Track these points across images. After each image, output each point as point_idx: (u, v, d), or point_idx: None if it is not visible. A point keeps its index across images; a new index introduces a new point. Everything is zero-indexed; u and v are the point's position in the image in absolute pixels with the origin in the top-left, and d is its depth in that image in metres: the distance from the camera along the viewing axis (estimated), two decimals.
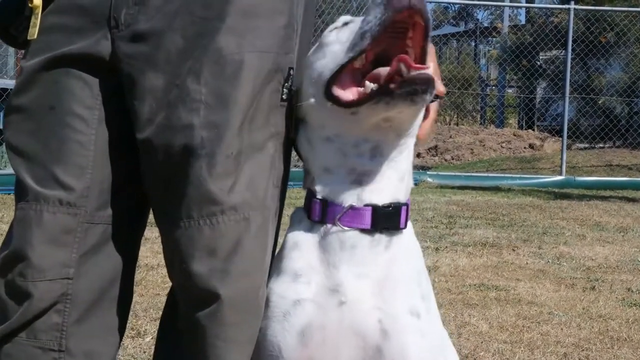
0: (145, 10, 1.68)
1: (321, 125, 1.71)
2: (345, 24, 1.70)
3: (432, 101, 1.74)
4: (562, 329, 4.06)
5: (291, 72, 1.75)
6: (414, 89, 1.53)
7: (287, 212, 1.83)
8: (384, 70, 1.57)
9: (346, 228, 1.67)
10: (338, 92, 1.63)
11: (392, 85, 1.54)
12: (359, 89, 1.61)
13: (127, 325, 3.91)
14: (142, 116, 1.68)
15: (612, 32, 15.58)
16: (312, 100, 1.69)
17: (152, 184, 1.75)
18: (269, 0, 1.72)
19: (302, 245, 1.72)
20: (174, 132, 1.66)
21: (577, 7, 13.94)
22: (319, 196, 1.71)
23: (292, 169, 1.84)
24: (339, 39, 1.67)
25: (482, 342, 3.76)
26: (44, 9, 1.72)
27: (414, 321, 1.65)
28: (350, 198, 1.68)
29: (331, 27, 1.74)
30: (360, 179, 1.68)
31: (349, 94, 1.62)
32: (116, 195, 1.78)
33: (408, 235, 1.75)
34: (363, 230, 1.68)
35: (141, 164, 1.75)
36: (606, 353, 3.70)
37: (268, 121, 1.72)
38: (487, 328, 4.02)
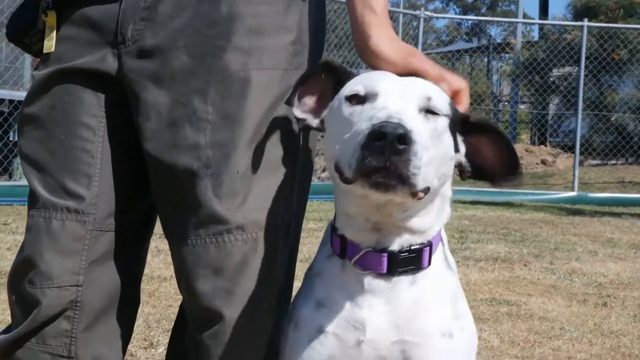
0: (151, 26, 1.68)
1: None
2: (359, 101, 1.58)
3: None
4: (573, 344, 4.06)
5: None
6: (377, 182, 1.45)
7: (309, 225, 1.80)
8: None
9: (362, 271, 1.63)
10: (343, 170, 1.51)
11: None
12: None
13: (140, 336, 3.94)
14: (146, 132, 1.69)
15: (625, 50, 15.57)
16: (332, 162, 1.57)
17: (160, 199, 1.76)
18: (276, 17, 1.71)
19: (325, 275, 1.69)
20: (179, 151, 1.66)
21: (590, 24, 13.94)
22: (339, 232, 1.67)
23: (318, 182, 1.80)
24: (347, 121, 1.55)
25: (493, 357, 3.77)
26: (57, 20, 1.74)
27: (444, 342, 1.63)
28: (367, 243, 1.63)
29: (348, 89, 1.61)
30: (378, 227, 1.62)
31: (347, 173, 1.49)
32: (125, 202, 1.78)
33: (438, 262, 1.69)
34: (379, 274, 1.63)
35: (149, 176, 1.75)
36: None
37: (283, 139, 1.71)
38: (498, 343, 4.02)
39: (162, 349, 3.63)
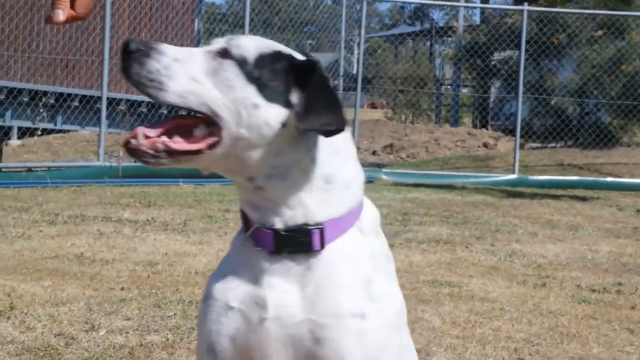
0: None
1: None
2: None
3: None
4: (513, 324, 4.13)
5: None
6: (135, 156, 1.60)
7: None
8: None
9: (255, 247, 1.65)
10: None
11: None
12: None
13: (82, 319, 3.88)
14: None
15: (564, 34, 15.79)
16: None
17: None
18: None
19: (236, 249, 1.70)
20: None
21: (530, 8, 14.11)
22: (241, 206, 1.69)
23: None
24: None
25: (434, 337, 3.81)
26: None
27: (355, 323, 1.61)
28: (254, 218, 1.65)
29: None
30: (254, 203, 1.65)
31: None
32: None
33: (351, 242, 1.67)
34: (271, 252, 1.64)
35: None
36: (555, 348, 3.77)
37: None
38: (439, 323, 4.07)
39: (103, 332, 3.60)
